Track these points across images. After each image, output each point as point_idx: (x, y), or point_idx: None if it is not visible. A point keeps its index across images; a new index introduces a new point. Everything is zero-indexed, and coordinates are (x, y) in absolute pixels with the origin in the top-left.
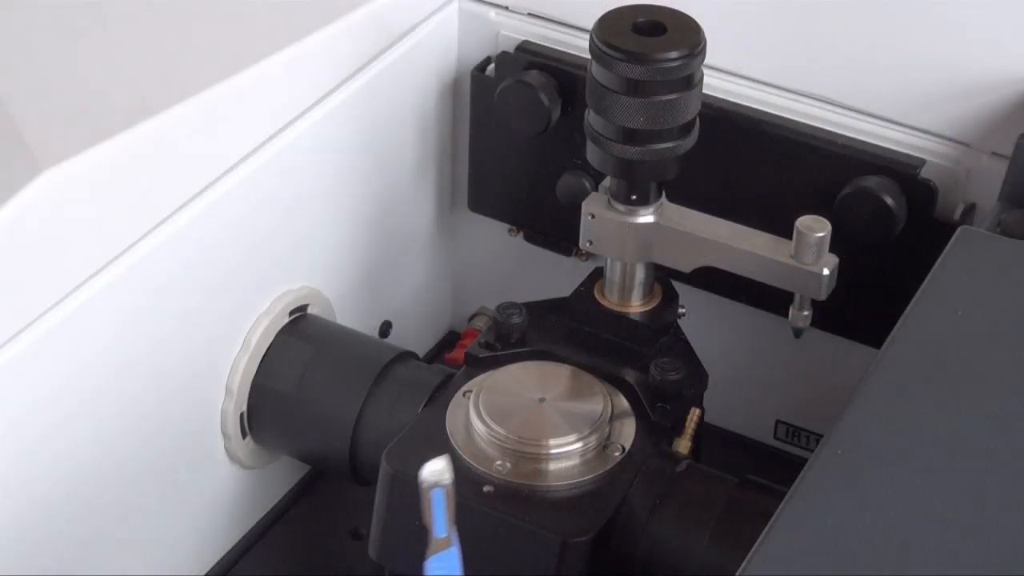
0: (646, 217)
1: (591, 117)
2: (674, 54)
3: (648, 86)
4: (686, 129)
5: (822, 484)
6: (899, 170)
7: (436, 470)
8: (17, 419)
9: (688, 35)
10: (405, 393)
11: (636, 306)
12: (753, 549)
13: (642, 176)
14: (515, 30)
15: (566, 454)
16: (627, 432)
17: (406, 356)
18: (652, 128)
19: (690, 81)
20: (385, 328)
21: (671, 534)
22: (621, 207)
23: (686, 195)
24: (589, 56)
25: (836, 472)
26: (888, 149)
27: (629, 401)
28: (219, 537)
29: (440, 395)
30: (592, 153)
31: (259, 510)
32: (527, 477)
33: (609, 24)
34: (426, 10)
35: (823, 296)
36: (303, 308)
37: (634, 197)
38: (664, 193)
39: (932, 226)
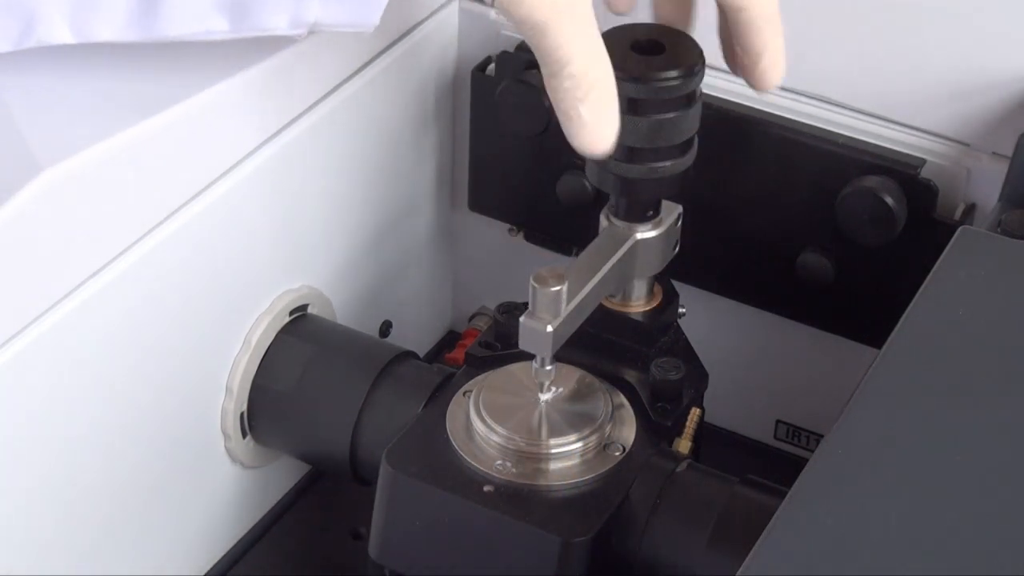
0: (645, 232)
1: None
2: (673, 73)
3: (647, 105)
4: (685, 147)
5: (822, 484)
6: (899, 170)
7: None
8: (16, 418)
9: (687, 54)
10: (405, 393)
11: (636, 306)
12: (753, 549)
13: (641, 194)
14: (515, 30)
15: (566, 454)
16: (627, 432)
17: (406, 356)
18: (651, 146)
19: (690, 99)
20: (385, 328)
21: (671, 534)
22: (619, 223)
23: (686, 195)
24: None
25: (836, 472)
26: (888, 149)
27: (629, 401)
28: (219, 537)
29: (440, 395)
30: (591, 171)
31: (259, 510)
32: (527, 477)
33: (608, 43)
34: (426, 10)
35: None
36: (303, 308)
37: (634, 214)
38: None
39: (932, 226)
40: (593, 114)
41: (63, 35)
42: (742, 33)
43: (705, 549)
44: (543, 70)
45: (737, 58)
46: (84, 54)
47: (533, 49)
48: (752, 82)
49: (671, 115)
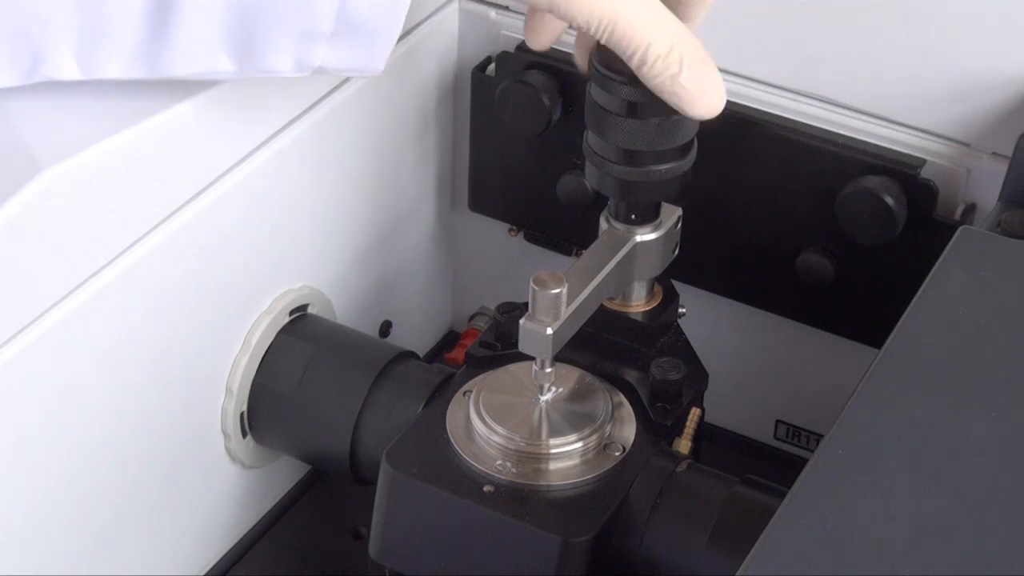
0: (645, 235)
1: (590, 139)
2: None
3: (647, 108)
4: (685, 150)
5: (822, 484)
6: (899, 170)
7: None
8: (17, 418)
9: None
10: (405, 393)
11: (636, 306)
12: (753, 549)
13: (641, 197)
14: (515, 30)
15: (566, 454)
16: (627, 432)
17: (406, 356)
18: (651, 149)
19: None
20: (385, 328)
21: (671, 534)
22: (619, 225)
23: (686, 195)
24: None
25: (836, 472)
26: (888, 149)
27: (629, 401)
28: (219, 537)
29: (440, 395)
30: (590, 173)
31: (259, 510)
32: (527, 477)
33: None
34: (426, 10)
35: None
36: (303, 308)
37: (633, 216)
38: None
39: (932, 226)
40: (695, 82)
41: (71, 72)
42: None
43: (705, 549)
44: (628, 62)
45: None
46: None
47: (608, 45)
48: None
49: (671, 118)
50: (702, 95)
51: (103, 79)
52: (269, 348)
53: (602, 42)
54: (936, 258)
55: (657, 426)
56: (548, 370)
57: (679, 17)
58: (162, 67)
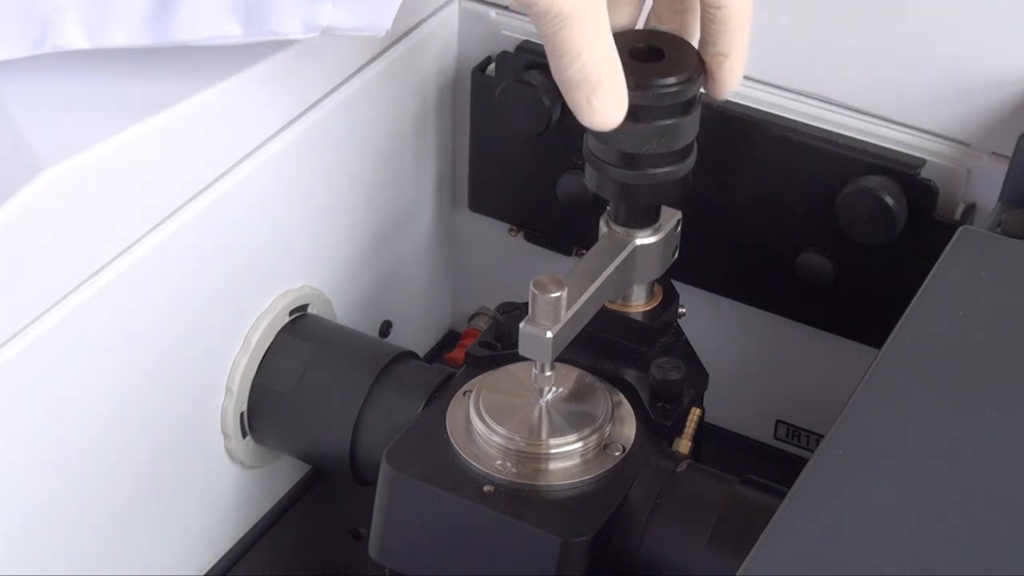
0: (645, 238)
1: (589, 142)
2: (673, 80)
3: (647, 111)
4: (685, 152)
5: (822, 484)
6: (899, 170)
7: None
8: (16, 418)
9: (686, 60)
10: (405, 393)
11: (636, 306)
12: (753, 549)
13: (641, 200)
14: (515, 30)
15: (566, 454)
16: (627, 432)
17: (406, 356)
18: (651, 153)
19: (689, 105)
20: (385, 328)
21: (671, 534)
22: (619, 228)
23: (686, 197)
24: None
25: (836, 472)
26: (888, 149)
27: (629, 401)
28: (219, 537)
29: (440, 395)
30: (590, 176)
31: (259, 510)
32: (527, 477)
33: None
34: (426, 10)
35: None
36: (303, 308)
37: (639, 220)
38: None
39: (932, 226)
40: (603, 104)
41: (78, 40)
42: (714, 31)
43: (705, 549)
44: (554, 61)
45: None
46: (86, 53)
47: (546, 40)
48: (711, 85)
49: (671, 121)
50: (603, 115)
51: (111, 47)
52: (269, 348)
53: (544, 33)
54: (936, 258)
55: (657, 426)
56: (548, 373)
57: (714, 31)
58: (169, 33)
